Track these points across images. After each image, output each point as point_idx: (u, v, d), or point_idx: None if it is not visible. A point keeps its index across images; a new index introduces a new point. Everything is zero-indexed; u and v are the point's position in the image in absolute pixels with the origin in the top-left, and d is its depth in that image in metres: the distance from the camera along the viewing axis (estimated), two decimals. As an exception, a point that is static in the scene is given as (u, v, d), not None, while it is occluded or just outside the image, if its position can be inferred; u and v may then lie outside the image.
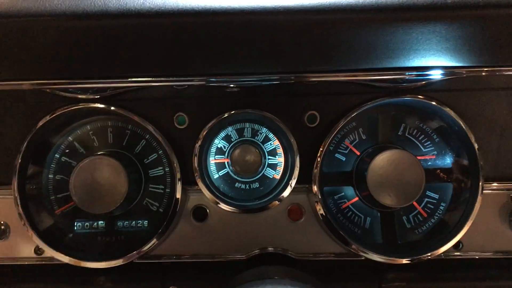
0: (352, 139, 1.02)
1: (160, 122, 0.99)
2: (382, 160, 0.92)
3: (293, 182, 0.98)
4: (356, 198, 1.01)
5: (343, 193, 1.02)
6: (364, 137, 1.02)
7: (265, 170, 1.03)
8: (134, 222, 1.02)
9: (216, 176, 1.04)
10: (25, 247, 1.01)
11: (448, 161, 1.01)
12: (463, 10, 0.68)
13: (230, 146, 1.03)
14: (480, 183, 0.95)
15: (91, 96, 0.96)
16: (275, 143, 1.03)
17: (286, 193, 0.98)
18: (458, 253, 1.00)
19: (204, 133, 0.97)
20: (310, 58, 0.79)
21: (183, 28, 0.71)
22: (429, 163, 1.01)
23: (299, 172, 0.97)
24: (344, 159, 1.02)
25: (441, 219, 1.01)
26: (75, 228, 1.02)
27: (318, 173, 0.95)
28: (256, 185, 1.04)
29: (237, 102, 0.98)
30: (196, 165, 0.97)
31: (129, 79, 0.84)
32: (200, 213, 1.02)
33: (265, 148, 1.03)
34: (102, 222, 1.02)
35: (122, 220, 1.02)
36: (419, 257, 0.94)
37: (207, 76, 0.84)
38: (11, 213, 0.98)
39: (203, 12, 0.68)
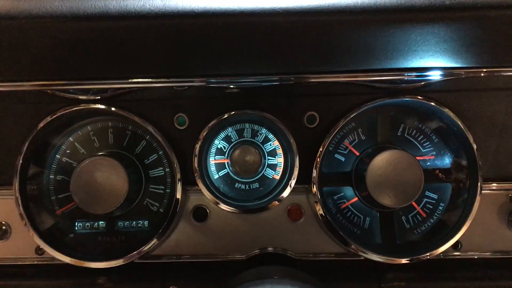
0: (352, 139, 1.02)
1: (160, 123, 0.99)
2: (381, 160, 0.93)
3: (292, 183, 0.98)
4: (356, 198, 1.02)
5: (342, 193, 1.03)
6: (363, 138, 1.02)
7: (265, 170, 1.03)
8: (134, 222, 1.03)
9: (216, 176, 1.04)
10: (26, 247, 1.01)
11: (447, 161, 1.01)
12: (461, 11, 0.68)
13: (230, 146, 1.03)
14: (479, 183, 0.95)
15: (92, 97, 0.96)
16: (274, 143, 1.03)
17: (285, 193, 0.98)
18: (457, 253, 1.00)
19: (204, 134, 0.97)
20: (310, 59, 0.79)
21: (183, 30, 0.72)
22: (428, 163, 1.01)
23: (298, 173, 0.98)
24: (343, 159, 1.02)
25: (440, 219, 1.02)
26: (76, 228, 1.03)
27: (318, 173, 0.96)
28: (256, 185, 1.04)
29: (237, 103, 0.99)
30: (196, 165, 0.98)
31: (130, 80, 0.84)
32: (200, 213, 1.02)
33: (265, 149, 1.03)
34: (102, 222, 1.03)
35: (123, 220, 1.03)
36: (418, 257, 0.95)
37: (207, 77, 0.84)
38: (12, 213, 0.98)
39: (202, 13, 0.68)
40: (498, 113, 0.99)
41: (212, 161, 1.04)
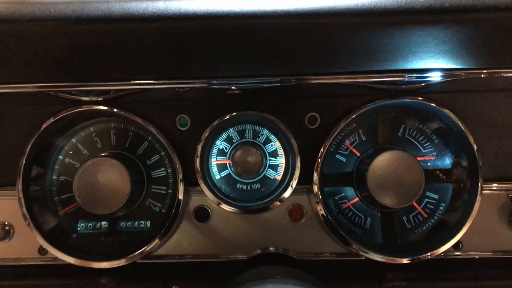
0: (352, 140, 1.03)
1: (162, 124, 1.00)
2: (382, 161, 0.93)
3: (294, 183, 0.98)
4: (357, 199, 1.02)
5: (343, 194, 1.03)
6: (364, 138, 1.02)
7: (266, 171, 1.04)
8: (136, 222, 1.03)
9: (217, 177, 1.05)
10: (29, 247, 1.02)
11: (447, 162, 1.02)
12: (461, 13, 0.68)
13: (232, 147, 1.04)
14: (480, 184, 0.96)
15: (94, 99, 0.97)
16: (276, 144, 1.04)
17: (287, 194, 0.99)
18: (458, 253, 1.01)
19: (206, 135, 0.98)
20: (310, 60, 0.80)
21: (185, 32, 0.72)
22: (429, 164, 1.02)
23: (300, 173, 0.98)
24: (344, 160, 1.03)
25: (441, 219, 1.02)
26: (79, 228, 1.03)
27: (319, 174, 0.96)
28: (258, 186, 1.05)
29: (238, 104, 0.99)
30: (198, 166, 0.98)
31: (132, 82, 0.85)
32: (202, 213, 1.02)
33: (266, 149, 1.04)
34: (105, 222, 1.03)
35: (125, 220, 1.03)
36: (419, 257, 0.95)
37: (209, 78, 0.84)
38: (15, 213, 0.99)
39: (204, 16, 0.69)
40: (498, 113, 0.99)
41: (214, 162, 1.04)
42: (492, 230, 1.01)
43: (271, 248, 1.02)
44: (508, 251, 1.01)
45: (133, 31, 0.72)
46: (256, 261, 1.01)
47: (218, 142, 1.04)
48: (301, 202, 1.02)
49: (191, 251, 1.02)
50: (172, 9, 0.69)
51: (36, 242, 0.98)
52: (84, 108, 0.96)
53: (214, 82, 0.85)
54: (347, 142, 1.02)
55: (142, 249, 0.96)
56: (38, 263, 1.02)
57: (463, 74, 0.83)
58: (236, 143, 1.04)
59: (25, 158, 0.96)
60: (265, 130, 1.04)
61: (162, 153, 1.03)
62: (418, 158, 0.96)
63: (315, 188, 0.96)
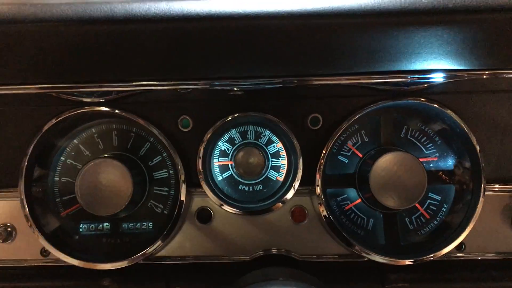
0: (355, 141, 1.02)
1: (164, 125, 1.00)
2: (385, 162, 0.93)
3: (296, 184, 0.98)
4: (359, 200, 1.02)
5: (346, 195, 1.03)
6: (366, 140, 1.02)
7: (269, 172, 1.04)
8: (139, 224, 1.03)
9: (220, 178, 1.04)
10: (31, 249, 1.02)
11: (450, 163, 1.02)
12: (464, 14, 0.68)
13: (234, 148, 1.03)
14: (482, 185, 0.96)
15: (96, 100, 0.97)
16: (278, 145, 1.04)
17: (289, 195, 0.99)
18: (460, 254, 1.01)
19: (208, 136, 0.98)
20: (313, 61, 0.80)
21: (188, 33, 0.72)
22: (431, 165, 1.02)
23: (302, 174, 0.98)
24: (346, 161, 1.03)
25: (443, 221, 1.02)
26: (81, 230, 1.03)
27: (321, 175, 0.96)
28: (260, 187, 1.04)
29: (241, 105, 0.99)
30: (200, 167, 0.98)
31: (134, 83, 0.85)
32: (204, 215, 1.02)
33: (269, 151, 1.04)
34: (107, 224, 1.03)
35: (127, 222, 1.03)
36: (422, 258, 0.95)
37: (211, 79, 0.85)
38: (17, 215, 0.99)
39: (207, 17, 0.69)
40: (501, 114, 0.99)
41: (216, 163, 1.04)
42: (495, 232, 1.01)
43: (273, 250, 1.02)
44: (511, 253, 1.01)
45: (136, 32, 0.72)
46: (259, 262, 1.01)
47: (220, 143, 1.04)
48: (303, 204, 1.02)
49: (193, 252, 1.02)
50: (175, 10, 0.69)
51: (38, 243, 0.98)
52: (86, 109, 0.96)
53: (216, 83, 0.85)
54: (350, 143, 1.02)
55: (145, 251, 0.96)
56: (40, 264, 1.02)
57: (465, 75, 0.84)
58: (238, 144, 1.04)
59: (27, 159, 0.96)
60: (267, 131, 1.04)
61: (164, 154, 1.03)
62: (421, 159, 0.96)
63: (318, 190, 0.96)
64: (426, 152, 1.02)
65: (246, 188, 1.04)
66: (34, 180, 0.99)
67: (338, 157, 1.03)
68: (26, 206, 0.96)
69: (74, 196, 0.94)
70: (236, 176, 1.04)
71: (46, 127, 0.96)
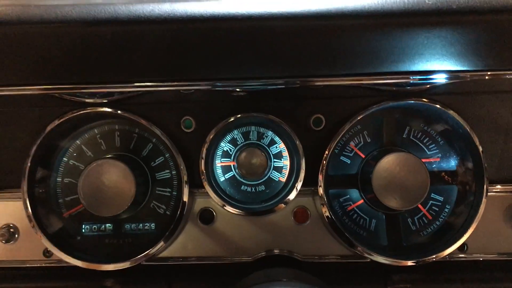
0: (357, 142, 1.02)
1: (167, 126, 1.00)
2: (387, 162, 0.93)
3: (298, 185, 0.98)
4: (361, 201, 1.02)
5: (348, 196, 1.03)
6: (369, 140, 1.02)
7: (271, 173, 1.04)
8: (141, 225, 1.03)
9: (222, 179, 1.04)
10: (34, 249, 1.02)
11: (452, 163, 1.02)
12: (468, 15, 0.68)
13: (236, 149, 1.04)
14: (485, 186, 0.96)
15: (99, 101, 0.97)
16: (280, 146, 1.04)
17: (292, 195, 0.99)
18: (463, 255, 1.01)
19: (211, 137, 0.98)
20: (316, 62, 0.80)
21: (191, 34, 0.72)
22: (434, 165, 1.02)
23: (304, 175, 0.98)
24: (349, 162, 1.03)
25: (446, 222, 1.02)
26: (83, 230, 1.03)
27: (324, 176, 0.96)
28: (262, 187, 1.04)
29: (243, 106, 0.99)
30: (203, 168, 0.98)
31: (136, 84, 0.85)
32: (206, 215, 1.02)
33: (271, 151, 1.04)
34: (109, 225, 1.03)
35: (130, 223, 1.03)
36: (424, 259, 0.95)
37: (214, 80, 0.85)
38: (20, 215, 0.99)
39: (211, 18, 0.69)
40: (503, 115, 0.99)
41: (218, 163, 1.04)
42: (497, 232, 1.01)
43: (275, 250, 1.02)
44: (514, 253, 1.01)
45: (139, 33, 0.72)
46: (261, 263, 1.01)
47: (222, 144, 1.04)
48: (305, 204, 1.02)
49: (195, 253, 1.02)
50: (178, 11, 0.69)
51: (41, 244, 0.98)
52: (89, 110, 0.96)
53: (219, 84, 0.85)
54: (352, 144, 1.02)
55: (147, 251, 0.96)
56: (43, 265, 1.02)
57: (468, 76, 0.84)
58: (240, 145, 1.04)
59: (30, 160, 0.96)
60: (270, 131, 1.04)
61: (167, 155, 1.03)
62: (423, 160, 0.95)
63: (320, 190, 0.96)
64: (428, 152, 1.02)
65: (249, 189, 1.04)
66: (37, 180, 0.99)
67: (341, 158, 1.03)
68: (29, 206, 0.96)
69: (77, 197, 0.94)
70: (238, 177, 1.04)
71: (49, 128, 0.96)
